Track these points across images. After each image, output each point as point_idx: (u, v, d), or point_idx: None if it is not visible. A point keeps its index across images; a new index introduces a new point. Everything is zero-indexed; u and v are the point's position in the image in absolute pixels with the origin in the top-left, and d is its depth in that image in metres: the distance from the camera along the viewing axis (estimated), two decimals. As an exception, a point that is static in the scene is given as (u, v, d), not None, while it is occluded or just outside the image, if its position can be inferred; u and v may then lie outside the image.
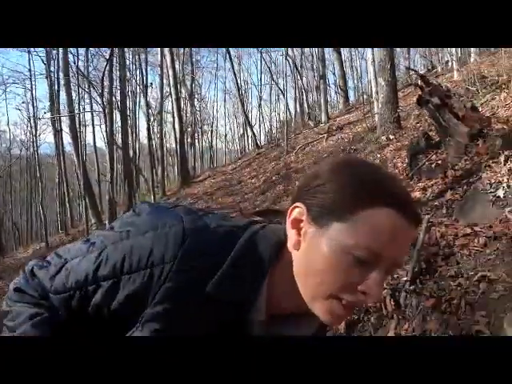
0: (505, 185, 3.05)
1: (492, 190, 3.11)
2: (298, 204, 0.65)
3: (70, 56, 12.99)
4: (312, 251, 0.62)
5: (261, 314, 0.66)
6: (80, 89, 12.85)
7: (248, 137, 23.03)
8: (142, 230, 0.65)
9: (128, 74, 18.18)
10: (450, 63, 11.65)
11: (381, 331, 2.76)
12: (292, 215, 0.65)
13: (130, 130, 18.66)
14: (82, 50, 13.01)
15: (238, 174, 13.37)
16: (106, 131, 7.56)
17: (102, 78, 8.23)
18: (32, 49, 17.75)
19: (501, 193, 3.02)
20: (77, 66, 10.70)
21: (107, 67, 9.12)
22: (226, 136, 32.18)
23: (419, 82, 4.39)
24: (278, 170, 10.70)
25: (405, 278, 2.79)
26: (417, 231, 0.63)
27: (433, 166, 4.16)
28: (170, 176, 25.25)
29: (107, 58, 8.27)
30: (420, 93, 4.35)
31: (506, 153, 3.40)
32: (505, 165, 3.27)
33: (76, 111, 12.62)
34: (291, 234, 0.65)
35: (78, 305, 0.66)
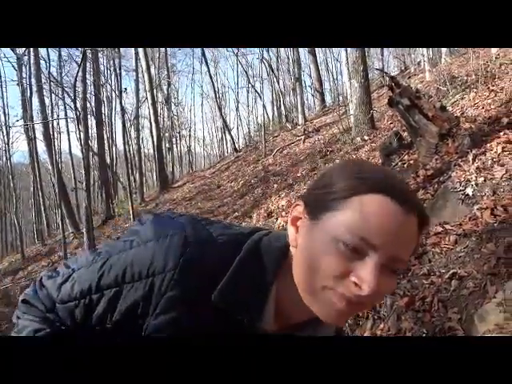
0: (473, 183, 3.12)
1: (461, 189, 3.17)
2: (297, 202, 0.66)
3: (42, 62, 12.73)
4: (306, 245, 0.62)
5: (269, 324, 0.66)
6: (53, 95, 12.61)
7: (227, 140, 22.99)
8: (144, 240, 0.65)
9: (103, 79, 17.94)
10: (422, 64, 11.89)
11: (357, 331, 2.78)
12: (292, 213, 0.66)
13: (106, 137, 18.40)
14: (54, 56, 12.76)
15: (217, 178, 13.34)
16: (80, 138, 7.40)
17: (74, 83, 8.06)
18: (2, 54, 17.35)
19: (469, 191, 3.08)
20: (49, 71, 10.46)
21: (79, 73, 8.96)
22: (204, 140, 32.12)
23: (390, 83, 4.46)
24: (257, 173, 10.72)
25: (379, 278, 2.82)
26: (418, 225, 0.60)
27: (405, 166, 4.23)
28: (148, 182, 25.02)
29: (79, 63, 8.11)
30: (391, 94, 4.42)
31: (474, 151, 3.48)
32: (473, 163, 3.34)
33: (50, 118, 12.37)
34: (290, 231, 0.65)
35: (83, 314, 0.66)
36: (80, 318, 0.66)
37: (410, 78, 13.12)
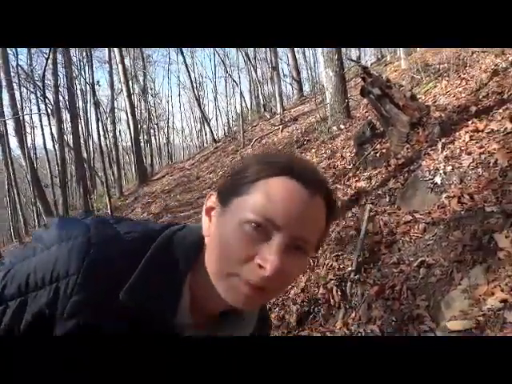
0: (442, 171, 3.17)
1: (430, 177, 3.22)
2: (211, 192, 0.66)
3: (11, 55, 12.35)
4: (216, 232, 0.62)
5: (186, 317, 0.64)
6: (24, 89, 12.27)
7: (206, 131, 22.83)
8: (47, 245, 0.62)
9: (76, 71, 17.51)
10: (398, 52, 11.97)
11: (331, 321, 2.82)
12: (206, 204, 0.66)
13: (81, 130, 18.03)
14: (23, 49, 12.39)
15: (196, 170, 13.24)
16: (51, 133, 7.23)
17: (43, 75, 7.87)
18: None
19: (438, 179, 3.13)
20: (17, 64, 10.16)
21: (49, 65, 8.72)
22: (183, 131, 31.81)
23: (362, 73, 4.47)
24: (235, 163, 10.68)
25: (350, 268, 2.86)
26: (325, 207, 0.61)
27: (378, 155, 4.27)
28: (127, 175, 24.70)
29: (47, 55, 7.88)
30: (363, 83, 4.44)
31: (443, 140, 3.53)
32: (442, 152, 3.39)
33: (20, 113, 12.05)
34: (204, 222, 0.65)
35: None
36: None
37: (386, 65, 13.20)
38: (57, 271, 0.60)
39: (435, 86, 6.37)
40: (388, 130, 4.20)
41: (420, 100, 5.15)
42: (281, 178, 0.59)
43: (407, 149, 3.89)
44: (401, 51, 10.63)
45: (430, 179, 3.22)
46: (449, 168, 3.18)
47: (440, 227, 2.82)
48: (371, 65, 14.70)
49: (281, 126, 11.27)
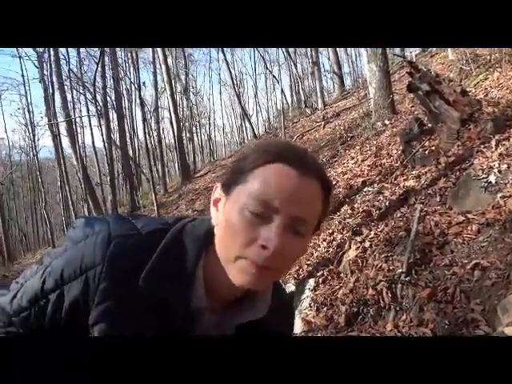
0: (496, 170, 3.06)
1: (484, 176, 3.12)
2: (216, 184, 0.72)
3: (62, 59, 12.95)
4: (224, 219, 0.67)
5: (202, 301, 0.70)
6: (74, 91, 12.85)
7: (246, 128, 22.98)
8: (75, 241, 0.71)
9: (121, 72, 18.11)
10: (443, 42, 11.50)
11: (380, 323, 2.80)
12: (213, 195, 0.72)
13: (127, 129, 18.65)
14: (73, 53, 12.98)
15: (237, 167, 13.33)
16: (101, 132, 7.55)
17: (94, 78, 8.22)
18: (23, 53, 17.69)
19: (492, 178, 3.03)
20: (69, 68, 10.66)
21: (99, 68, 9.09)
22: (224, 128, 32.15)
23: (409, 68, 4.37)
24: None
25: (400, 270, 2.83)
26: (321, 188, 0.66)
27: (426, 152, 4.17)
28: (171, 172, 25.29)
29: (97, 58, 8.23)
30: (410, 79, 4.34)
31: (497, 137, 3.40)
32: (496, 149, 3.27)
33: (72, 113, 12.64)
34: (213, 212, 0.71)
35: (36, 321, 0.71)
36: (36, 325, 0.71)
37: (432, 56, 12.73)
38: (85, 263, 0.68)
39: (486, 79, 6.10)
40: (437, 127, 4.09)
41: (470, 93, 4.98)
42: (275, 165, 0.65)
43: (458, 146, 3.78)
44: (448, 41, 10.22)
45: (483, 178, 3.12)
46: (504, 166, 3.06)
47: (495, 228, 2.73)
48: (416, 56, 14.21)
49: (323, 122, 11.16)
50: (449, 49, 9.67)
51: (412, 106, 7.43)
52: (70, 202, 19.38)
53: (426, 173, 3.88)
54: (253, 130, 17.54)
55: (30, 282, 0.72)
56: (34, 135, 18.58)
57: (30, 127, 20.33)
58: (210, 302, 0.71)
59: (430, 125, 4.45)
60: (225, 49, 19.82)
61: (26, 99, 21.02)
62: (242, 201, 0.64)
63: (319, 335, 3.00)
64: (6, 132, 37.46)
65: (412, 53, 14.84)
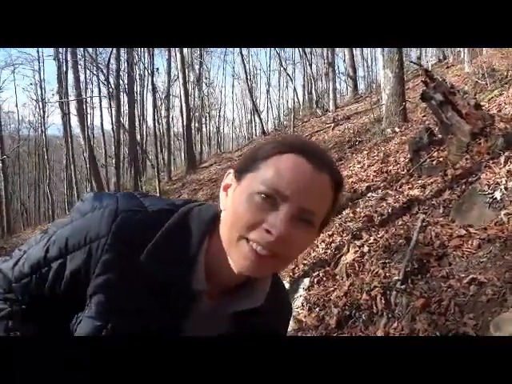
0: (502, 187, 3.03)
1: (490, 192, 3.09)
2: (229, 170, 0.73)
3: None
4: (232, 204, 0.68)
5: (202, 283, 0.70)
6: (88, 71, 12.86)
7: (256, 123, 22.94)
8: (82, 213, 0.73)
9: (136, 57, 18.08)
10: (462, 54, 11.43)
11: (371, 328, 2.80)
12: (224, 181, 0.73)
13: (137, 114, 18.66)
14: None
15: (243, 161, 13.33)
16: (111, 114, 7.55)
17: (108, 60, 8.21)
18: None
19: (498, 195, 3.01)
20: (84, 48, 10.65)
21: (113, 50, 9.08)
22: (233, 121, 32.11)
23: (424, 77, 4.34)
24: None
25: (396, 277, 2.82)
26: (331, 183, 0.67)
27: (434, 163, 4.14)
28: (176, 160, 25.32)
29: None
30: (424, 88, 4.31)
31: (507, 153, 3.37)
32: (504, 166, 3.24)
33: (84, 93, 12.66)
34: (222, 197, 0.72)
35: (36, 288, 0.72)
36: (35, 292, 0.72)
37: (448, 68, 12.66)
38: (90, 235, 0.69)
39: (501, 94, 6.05)
40: (447, 138, 4.06)
41: (483, 108, 4.93)
42: (290, 155, 0.66)
43: (466, 159, 3.75)
44: (465, 53, 10.15)
45: (489, 194, 3.09)
46: (511, 183, 3.04)
47: (496, 245, 2.71)
48: (432, 66, 14.13)
49: (332, 124, 11.12)
50: (465, 61, 9.60)
51: (424, 116, 7.39)
52: (74, 182, 19.49)
53: (431, 183, 3.86)
54: (262, 125, 17.50)
55: (34, 250, 0.73)
56: (43, 112, 18.67)
57: (40, 103, 20.38)
58: (209, 287, 0.71)
59: (440, 136, 4.42)
60: (241, 42, 19.72)
61: (39, 75, 21.03)
62: (253, 186, 0.65)
63: (309, 335, 2.99)
64: (16, 106, 37.69)
65: (428, 62, 14.77)
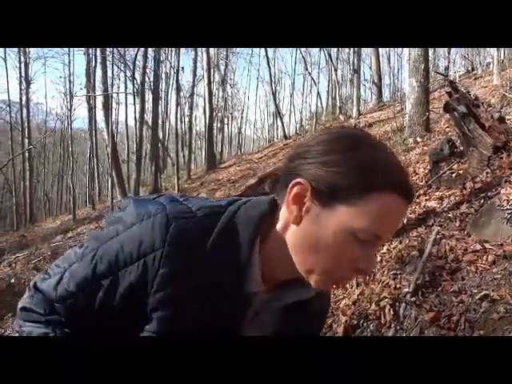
0: (522, 203, 2.96)
1: (508, 207, 3.02)
2: (300, 180, 0.65)
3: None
4: (315, 230, 0.64)
5: (258, 285, 0.69)
6: (115, 67, 13.10)
7: (277, 126, 22.94)
8: (129, 224, 0.67)
9: (163, 55, 18.34)
10: (490, 66, 11.20)
11: (378, 339, 2.77)
12: (294, 191, 0.65)
13: (160, 112, 18.91)
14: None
15: (263, 164, 13.38)
16: (134, 111, 7.68)
17: (135, 57, 8.35)
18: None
19: (517, 211, 2.94)
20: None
21: (141, 48, 9.23)
22: (255, 123, 32.21)
23: (448, 88, 4.27)
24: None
25: (406, 289, 2.78)
26: None
27: (453, 175, 4.07)
28: (197, 159, 25.53)
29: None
30: (448, 99, 4.24)
31: (529, 169, 3.29)
32: (525, 182, 3.17)
33: (110, 88, 12.91)
34: (293, 208, 0.66)
35: (84, 307, 0.68)
36: (82, 312, 0.68)
37: (475, 79, 12.42)
38: (143, 247, 0.65)
39: (528, 109, 5.91)
40: (468, 151, 3.98)
41: (509, 121, 4.82)
42: (390, 196, 0.62)
43: (487, 173, 3.67)
44: (494, 65, 9.94)
45: (508, 209, 3.02)
46: (531, 200, 2.96)
47: (511, 262, 2.65)
48: (460, 77, 13.88)
49: (354, 131, 11.02)
50: (494, 73, 9.40)
51: (447, 127, 7.26)
52: (96, 175, 19.87)
53: (449, 196, 3.79)
54: (284, 129, 17.50)
55: (78, 267, 0.69)
56: (71, 105, 19.09)
57: (68, 96, 20.89)
58: (264, 286, 0.70)
59: (461, 148, 4.34)
60: (267, 45, 19.79)
61: (69, 69, 21.56)
62: (352, 226, 0.62)
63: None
64: (45, 98, 38.87)
65: (456, 73, 14.52)
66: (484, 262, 2.77)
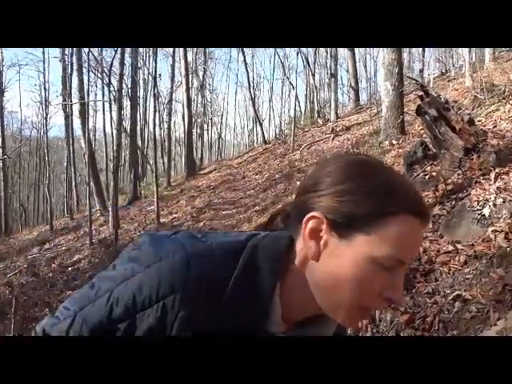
0: (491, 203, 3.03)
1: (479, 208, 3.09)
2: (315, 214, 0.63)
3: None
4: (336, 263, 0.62)
5: (279, 326, 0.67)
6: (92, 74, 12.92)
7: (257, 131, 23.02)
8: (146, 264, 0.64)
9: (141, 61, 18.21)
10: (463, 68, 11.47)
11: (356, 342, 2.78)
12: (309, 225, 0.63)
13: (139, 118, 18.74)
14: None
15: (243, 169, 13.40)
16: (111, 118, 7.59)
17: (111, 64, 8.27)
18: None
19: (486, 211, 3.01)
20: (89, 50, 10.72)
21: (118, 54, 9.15)
22: (235, 128, 32.25)
23: (419, 92, 4.36)
24: (282, 167, 10.71)
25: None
26: None
27: (427, 177, 4.15)
28: (177, 166, 25.37)
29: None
30: (419, 103, 4.32)
31: (497, 170, 3.37)
32: (494, 182, 3.25)
33: (86, 96, 12.71)
34: (310, 244, 0.63)
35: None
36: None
37: (449, 81, 12.70)
38: (162, 289, 0.61)
39: (498, 109, 6.07)
40: (440, 153, 4.06)
41: (479, 123, 4.94)
42: (406, 218, 0.60)
43: (458, 175, 3.75)
44: (466, 67, 10.18)
45: (478, 210, 3.10)
46: (499, 200, 3.04)
47: (482, 262, 2.71)
48: (434, 79, 14.18)
49: (332, 135, 11.16)
50: (466, 75, 9.62)
51: (422, 129, 7.39)
52: (74, 184, 19.51)
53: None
54: (263, 134, 17.56)
55: (91, 309, 0.65)
56: (46, 113, 18.73)
57: (43, 104, 20.50)
58: (285, 326, 0.68)
59: (434, 150, 4.42)
60: (245, 50, 19.90)
61: (44, 76, 21.17)
62: (372, 255, 0.60)
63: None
64: (20, 106, 38.11)
65: (430, 75, 14.83)
66: (456, 262, 2.83)
